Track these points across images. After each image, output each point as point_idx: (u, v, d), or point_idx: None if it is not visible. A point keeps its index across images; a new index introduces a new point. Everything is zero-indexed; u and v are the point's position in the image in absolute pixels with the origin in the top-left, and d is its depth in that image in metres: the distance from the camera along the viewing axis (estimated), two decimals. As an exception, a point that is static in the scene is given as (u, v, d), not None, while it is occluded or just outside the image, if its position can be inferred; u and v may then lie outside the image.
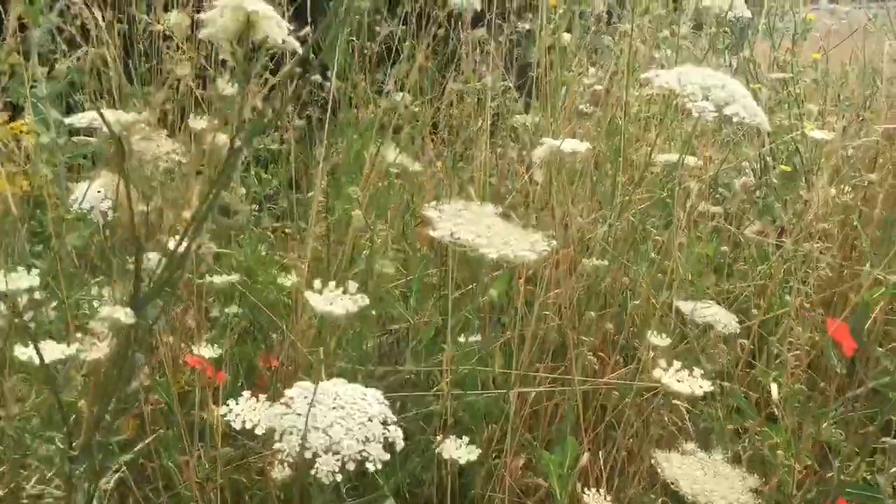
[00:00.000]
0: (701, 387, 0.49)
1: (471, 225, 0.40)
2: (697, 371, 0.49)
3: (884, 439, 0.96)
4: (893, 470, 0.92)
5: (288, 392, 0.49)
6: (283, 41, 0.50)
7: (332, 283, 0.41)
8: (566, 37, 1.32)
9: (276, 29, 0.48)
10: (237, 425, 0.62)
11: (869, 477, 0.86)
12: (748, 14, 0.98)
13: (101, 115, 0.50)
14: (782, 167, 1.39)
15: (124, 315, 0.47)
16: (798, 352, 0.89)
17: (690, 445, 0.52)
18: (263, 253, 1.33)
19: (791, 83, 1.36)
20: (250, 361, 1.24)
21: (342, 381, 0.49)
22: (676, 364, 0.49)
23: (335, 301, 0.41)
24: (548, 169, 1.04)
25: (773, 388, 0.75)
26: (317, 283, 0.41)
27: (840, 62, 1.55)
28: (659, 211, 1.13)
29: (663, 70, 0.56)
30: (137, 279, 0.49)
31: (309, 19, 1.22)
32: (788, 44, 1.43)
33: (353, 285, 0.41)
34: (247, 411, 0.65)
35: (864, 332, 0.90)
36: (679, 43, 1.21)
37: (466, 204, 0.43)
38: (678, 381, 0.49)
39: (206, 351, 0.90)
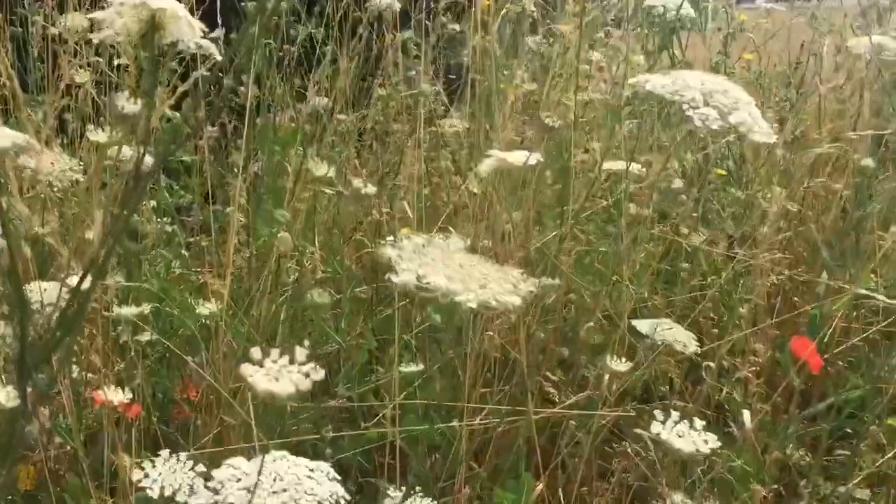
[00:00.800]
0: (706, 441, 0.43)
1: (440, 265, 0.33)
2: (699, 423, 0.43)
3: (840, 452, 0.93)
4: (851, 484, 0.89)
5: (216, 473, 0.40)
6: (198, 44, 0.41)
7: (276, 352, 0.32)
8: (496, 37, 1.26)
9: (188, 30, 0.39)
10: (155, 494, 0.54)
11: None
12: (692, 13, 0.94)
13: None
14: (717, 171, 1.36)
15: (5, 397, 0.37)
16: (756, 368, 0.84)
17: (679, 496, 0.46)
18: (177, 271, 1.22)
19: (724, 84, 1.33)
20: (166, 392, 1.14)
21: (283, 453, 0.41)
22: (675, 415, 0.43)
23: (281, 374, 0.32)
24: (487, 179, 0.97)
25: (746, 415, 0.71)
26: (255, 353, 0.32)
27: (772, 62, 1.54)
28: (602, 220, 1.09)
29: (653, 74, 0.50)
30: (23, 336, 0.40)
31: (220, 21, 1.12)
32: (720, 44, 1.41)
33: (301, 352, 0.33)
34: (165, 474, 0.56)
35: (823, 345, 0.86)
36: (614, 45, 1.16)
37: (430, 238, 0.35)
38: (678, 437, 0.42)
39: (115, 395, 0.80)
